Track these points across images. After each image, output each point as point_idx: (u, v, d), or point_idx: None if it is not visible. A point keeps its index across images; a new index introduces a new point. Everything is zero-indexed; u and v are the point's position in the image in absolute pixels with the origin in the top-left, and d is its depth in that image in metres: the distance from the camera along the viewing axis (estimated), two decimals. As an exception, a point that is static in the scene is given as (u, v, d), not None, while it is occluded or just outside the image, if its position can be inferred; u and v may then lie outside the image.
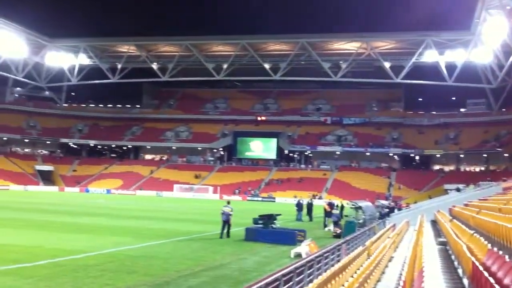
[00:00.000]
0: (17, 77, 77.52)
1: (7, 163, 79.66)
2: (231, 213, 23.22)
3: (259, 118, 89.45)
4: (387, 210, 36.98)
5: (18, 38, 70.23)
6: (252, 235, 22.34)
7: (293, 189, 70.43)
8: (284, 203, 61.28)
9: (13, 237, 19.97)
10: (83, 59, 79.55)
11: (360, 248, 12.62)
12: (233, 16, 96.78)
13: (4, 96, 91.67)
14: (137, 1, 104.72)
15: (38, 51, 76.55)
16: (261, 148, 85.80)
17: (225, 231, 23.05)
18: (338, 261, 12.19)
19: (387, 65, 68.71)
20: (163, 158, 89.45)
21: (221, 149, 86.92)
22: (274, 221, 23.84)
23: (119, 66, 78.12)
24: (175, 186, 74.59)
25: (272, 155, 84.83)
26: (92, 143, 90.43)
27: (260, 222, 23.64)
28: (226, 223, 23.07)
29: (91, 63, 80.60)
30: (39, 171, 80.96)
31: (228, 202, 24.15)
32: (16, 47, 70.82)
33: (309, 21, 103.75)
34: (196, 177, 79.14)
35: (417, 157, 79.94)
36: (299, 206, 37.01)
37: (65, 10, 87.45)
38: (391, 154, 79.79)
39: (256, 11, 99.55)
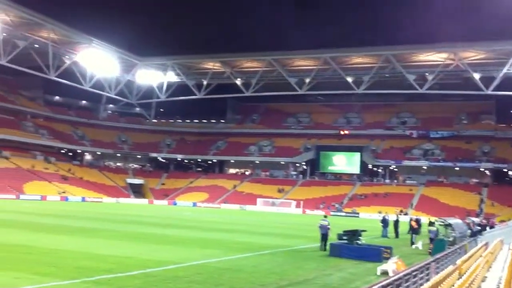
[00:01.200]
0: (110, 95, 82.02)
1: (101, 177, 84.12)
2: (328, 226, 23.93)
3: (342, 132, 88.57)
4: (479, 228, 35.26)
5: (112, 58, 74.40)
6: (336, 251, 22.13)
7: (378, 204, 68.93)
8: (368, 219, 60.08)
9: (106, 248, 21.00)
10: (171, 77, 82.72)
11: (451, 267, 12.20)
12: (315, 30, 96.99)
13: (98, 113, 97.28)
14: (220, 21, 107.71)
15: (129, 69, 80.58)
16: (344, 162, 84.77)
17: (323, 243, 23.70)
18: (428, 280, 11.86)
19: (476, 76, 65.84)
20: (246, 172, 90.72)
21: (304, 163, 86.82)
22: (359, 237, 23.46)
23: (205, 82, 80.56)
24: (258, 200, 75.30)
25: (356, 169, 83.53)
26: (179, 157, 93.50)
27: (345, 237, 23.37)
28: (325, 236, 23.83)
29: (178, 80, 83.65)
30: (130, 184, 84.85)
31: (325, 216, 24.97)
32: (109, 67, 75.08)
33: (393, 33, 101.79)
34: (279, 191, 79.49)
35: (510, 172, 75.73)
36: (384, 222, 36.12)
37: (154, 30, 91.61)
38: (482, 169, 76.04)
39: (338, 24, 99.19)
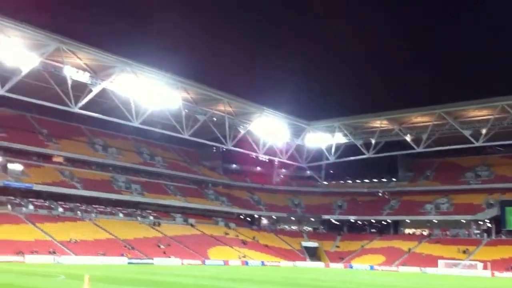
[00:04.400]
0: (282, 160, 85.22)
1: (277, 240, 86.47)
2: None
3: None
4: None
5: (282, 124, 77.82)
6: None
7: None
8: None
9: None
10: (339, 138, 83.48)
11: None
12: (486, 78, 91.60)
13: (271, 178, 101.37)
14: (383, 81, 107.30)
15: (298, 134, 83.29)
16: (536, 218, 76.30)
17: None
18: None
19: None
20: (423, 232, 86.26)
21: (487, 220, 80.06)
22: None
23: (373, 141, 79.82)
24: (440, 262, 70.66)
25: (551, 225, 74.62)
26: (352, 218, 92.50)
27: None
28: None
29: (346, 140, 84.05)
30: (305, 247, 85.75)
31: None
32: (280, 133, 78.50)
33: None
34: (463, 252, 73.96)
35: None
36: None
37: (320, 95, 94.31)
38: None
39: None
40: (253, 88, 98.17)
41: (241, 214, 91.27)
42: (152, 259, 63.09)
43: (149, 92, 60.20)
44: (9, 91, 51.26)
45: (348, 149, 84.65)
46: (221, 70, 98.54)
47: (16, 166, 66.14)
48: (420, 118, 75.53)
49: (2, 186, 62.74)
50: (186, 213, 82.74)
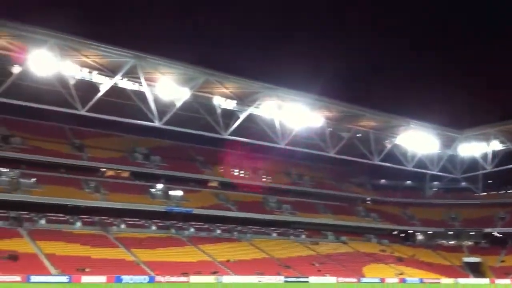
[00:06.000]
0: (433, 172, 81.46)
1: (435, 256, 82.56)
2: None
3: None
4: None
5: (430, 136, 74.53)
6: None
7: None
8: None
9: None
10: (495, 145, 77.83)
11: None
12: None
13: (423, 191, 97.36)
14: None
15: (449, 144, 79.08)
16: None
17: None
18: None
19: None
20: None
21: None
22: None
23: (536, 146, 73.22)
24: None
25: None
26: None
27: None
28: None
29: (504, 147, 78.10)
30: (467, 263, 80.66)
31: None
32: (429, 144, 75.22)
33: None
34: None
35: None
36: None
37: (472, 102, 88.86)
38: None
39: None
40: (398, 100, 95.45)
41: (393, 230, 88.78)
42: (307, 277, 63.81)
43: (292, 113, 61.66)
44: (166, 123, 55.75)
45: (507, 156, 78.44)
46: (360, 85, 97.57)
47: (176, 192, 71.62)
48: None
49: (166, 211, 68.35)
50: (337, 230, 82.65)
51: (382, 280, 67.58)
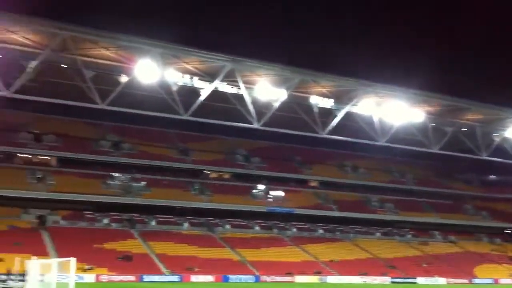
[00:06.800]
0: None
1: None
2: None
3: None
4: None
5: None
6: None
7: None
8: None
9: None
10: None
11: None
12: None
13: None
14: None
15: None
16: None
17: None
18: None
19: None
20: None
21: None
22: None
23: None
24: None
25: None
26: None
27: None
28: None
29: None
30: None
31: None
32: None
33: None
34: None
35: None
36: None
37: None
38: None
39: None
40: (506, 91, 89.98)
41: (506, 228, 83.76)
42: (415, 278, 62.02)
43: (391, 109, 60.13)
44: (264, 124, 56.52)
45: None
46: (464, 76, 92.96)
47: (277, 193, 72.48)
48: None
49: (267, 211, 69.34)
50: (444, 230, 79.44)
51: (496, 281, 64.12)
